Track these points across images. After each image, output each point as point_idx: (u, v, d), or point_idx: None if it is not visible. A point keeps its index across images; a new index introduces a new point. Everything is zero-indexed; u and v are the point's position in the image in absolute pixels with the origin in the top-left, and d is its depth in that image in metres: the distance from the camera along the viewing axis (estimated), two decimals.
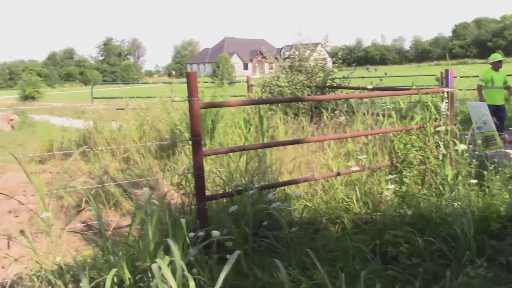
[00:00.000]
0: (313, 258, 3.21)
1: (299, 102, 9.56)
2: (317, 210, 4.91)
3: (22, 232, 3.36)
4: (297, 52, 11.05)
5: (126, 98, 10.99)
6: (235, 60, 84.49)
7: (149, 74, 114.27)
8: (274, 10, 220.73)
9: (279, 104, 9.18)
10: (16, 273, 3.76)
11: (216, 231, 3.70)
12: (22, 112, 21.20)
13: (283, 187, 5.10)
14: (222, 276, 2.94)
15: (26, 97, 42.49)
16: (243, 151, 5.21)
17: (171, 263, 3.01)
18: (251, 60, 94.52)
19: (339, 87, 10.52)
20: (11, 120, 20.26)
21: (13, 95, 54.38)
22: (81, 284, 3.04)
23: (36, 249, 3.38)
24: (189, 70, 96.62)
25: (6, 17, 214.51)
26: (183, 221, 3.22)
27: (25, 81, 45.46)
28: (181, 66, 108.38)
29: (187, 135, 7.79)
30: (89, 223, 5.25)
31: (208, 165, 6.11)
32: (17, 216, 6.09)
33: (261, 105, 7.46)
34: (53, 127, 12.41)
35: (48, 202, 3.72)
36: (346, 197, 5.12)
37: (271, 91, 10.47)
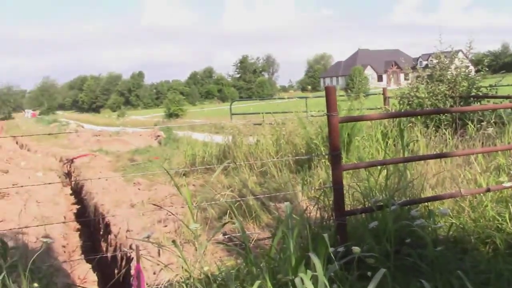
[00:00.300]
0: (464, 280, 3.00)
1: (441, 114, 9.08)
2: (465, 229, 4.58)
3: (173, 241, 3.57)
4: (436, 61, 10.52)
5: (262, 113, 11.31)
6: (369, 72, 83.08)
7: (283, 89, 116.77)
8: (409, 19, 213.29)
9: (419, 117, 8.81)
10: (168, 279, 4.02)
11: (357, 247, 3.62)
12: (168, 128, 22.85)
13: (426, 203, 4.85)
14: None
15: (170, 115, 45.81)
16: (383, 166, 5.07)
17: (312, 278, 3.00)
18: (385, 72, 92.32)
19: (485, 96, 9.81)
20: (158, 136, 21.97)
21: (159, 113, 58.97)
22: None
23: (185, 258, 3.57)
24: (322, 84, 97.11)
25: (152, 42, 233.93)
26: (325, 236, 3.20)
27: (170, 100, 49.08)
28: (314, 80, 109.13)
29: (323, 149, 7.79)
30: (230, 235, 5.46)
31: (345, 179, 6.03)
32: (165, 226, 6.54)
33: (400, 118, 7.21)
34: (195, 142, 13.17)
35: (196, 214, 3.92)
36: (497, 215, 4.72)
37: (410, 102, 10.07)
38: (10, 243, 4.28)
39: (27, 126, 52.51)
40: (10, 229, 5.54)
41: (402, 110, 9.76)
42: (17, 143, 27.33)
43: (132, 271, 5.39)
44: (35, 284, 3.64)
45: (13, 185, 9.67)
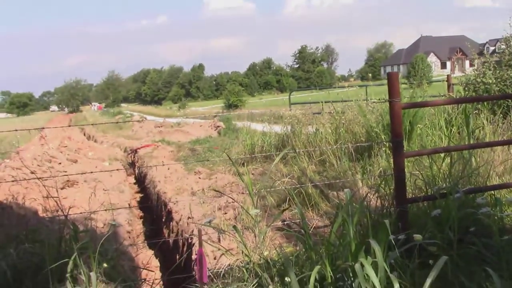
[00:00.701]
0: None
1: (509, 100, 8.68)
2: None
3: (235, 227, 3.63)
4: (504, 46, 10.04)
5: (322, 102, 11.21)
6: (432, 59, 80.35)
7: (343, 78, 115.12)
8: (476, 2, 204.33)
9: (485, 103, 8.46)
10: (228, 264, 4.09)
11: (418, 235, 3.55)
12: (227, 119, 23.11)
13: (492, 192, 4.67)
14: (428, 281, 2.81)
15: (230, 106, 46.36)
16: (446, 153, 4.92)
17: (372, 264, 2.97)
18: (449, 59, 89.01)
19: None
20: (218, 126, 22.26)
21: (219, 104, 59.75)
22: (287, 278, 3.18)
23: (245, 243, 3.62)
24: (382, 72, 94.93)
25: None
26: (386, 222, 3.16)
27: (229, 91, 49.63)
28: (374, 69, 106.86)
29: (384, 137, 7.64)
30: (290, 221, 5.48)
31: (406, 168, 5.90)
32: (225, 213, 6.65)
33: (465, 104, 6.95)
34: (254, 132, 13.24)
35: (256, 201, 3.97)
36: None
37: (476, 89, 9.67)
38: (80, 227, 4.49)
39: (93, 119, 54.69)
40: (80, 213, 5.81)
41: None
42: (84, 134, 28.50)
43: (194, 256, 5.53)
44: (104, 265, 3.81)
45: (81, 173, 10.12)
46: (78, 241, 3.89)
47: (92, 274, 3.56)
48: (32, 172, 8.78)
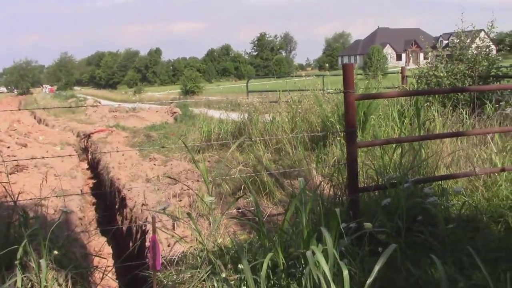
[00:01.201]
0: (474, 257, 3.00)
1: (458, 94, 8.98)
2: (478, 208, 4.58)
3: (189, 214, 3.63)
4: (457, 40, 10.35)
5: (279, 91, 11.27)
6: (388, 51, 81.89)
7: (301, 67, 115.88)
8: None
9: (436, 96, 8.72)
10: (182, 251, 4.09)
11: (368, 223, 3.65)
12: (184, 105, 22.93)
13: (439, 182, 4.85)
14: (376, 268, 2.91)
15: (187, 92, 45.93)
16: (398, 144, 5.06)
17: (323, 252, 3.04)
18: (405, 51, 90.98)
19: (505, 76, 9.66)
20: (174, 113, 22.07)
21: (175, 90, 59.08)
22: (240, 265, 3.22)
23: (200, 231, 3.63)
24: (339, 62, 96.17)
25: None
26: (337, 210, 3.23)
27: (186, 77, 49.16)
28: (332, 58, 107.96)
29: (338, 127, 7.77)
30: (244, 209, 5.52)
31: (359, 157, 6.04)
32: (180, 200, 6.63)
33: (417, 97, 7.15)
34: (211, 119, 13.20)
35: (211, 188, 3.97)
36: (511, 195, 4.71)
37: (428, 82, 9.95)
38: (30, 214, 4.38)
39: (44, 102, 53.05)
40: (30, 199, 5.66)
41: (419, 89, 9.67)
42: (35, 117, 27.66)
43: (147, 243, 5.50)
44: (55, 252, 3.74)
45: (31, 158, 9.84)
46: (28, 227, 3.80)
47: (42, 261, 3.50)
48: None
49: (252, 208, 4.04)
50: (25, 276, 3.53)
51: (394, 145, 5.23)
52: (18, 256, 3.49)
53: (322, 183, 5.45)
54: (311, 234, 3.26)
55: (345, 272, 2.86)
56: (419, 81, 10.33)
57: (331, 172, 5.27)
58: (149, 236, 5.48)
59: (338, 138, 7.42)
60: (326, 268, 2.85)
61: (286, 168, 7.14)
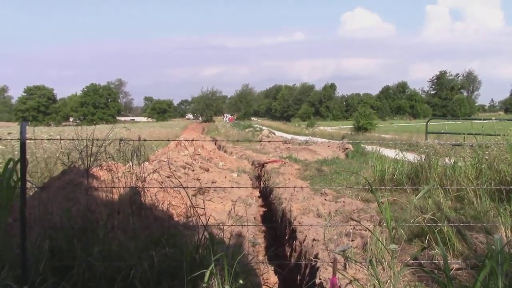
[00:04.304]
0: None
1: None
2: None
3: (371, 261, 3.49)
4: None
5: (463, 134, 10.54)
6: None
7: (483, 109, 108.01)
8: None
9: None
10: None
11: None
12: (356, 142, 22.72)
13: None
14: None
15: (359, 128, 45.60)
16: None
17: None
18: None
19: None
20: (346, 148, 21.97)
21: (347, 125, 59.14)
22: None
23: (379, 279, 3.46)
24: None
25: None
26: None
27: (359, 113, 48.87)
28: None
29: None
30: (425, 261, 5.15)
31: None
32: (352, 240, 6.45)
33: None
34: (384, 158, 12.81)
35: (394, 234, 3.79)
36: None
37: None
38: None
39: (224, 129, 57.02)
40: (217, 225, 6.01)
41: None
42: (215, 144, 29.79)
43: (317, 280, 5.43)
44: (240, 281, 3.86)
45: (212, 182, 10.55)
46: (213, 251, 4.00)
47: (227, 287, 3.64)
48: (168, 177, 9.31)
49: (436, 261, 3.74)
50: None
51: None
52: (206, 279, 3.67)
53: None
54: None
55: None
56: None
57: None
58: (320, 273, 5.41)
59: None
60: None
61: (468, 218, 6.56)
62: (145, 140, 6.01)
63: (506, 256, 3.32)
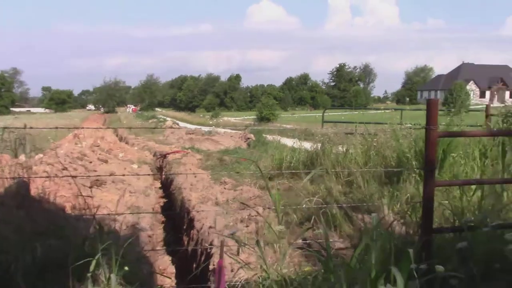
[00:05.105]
0: None
1: None
2: None
3: (257, 242, 3.60)
4: None
5: (355, 123, 11.10)
6: (471, 88, 78.89)
7: (378, 100, 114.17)
8: None
9: None
10: (246, 278, 4.06)
11: (441, 267, 3.45)
12: (258, 132, 23.14)
13: None
14: None
15: (262, 118, 46.44)
16: (478, 185, 4.79)
17: None
18: (489, 88, 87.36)
19: None
20: (248, 138, 22.30)
21: (251, 116, 59.98)
22: None
23: (265, 259, 3.59)
24: (419, 97, 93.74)
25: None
26: (410, 251, 3.08)
27: (263, 104, 49.79)
28: (411, 92, 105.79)
29: (415, 163, 7.50)
30: (311, 241, 5.40)
31: (436, 196, 5.78)
32: (247, 226, 6.61)
33: (503, 137, 6.78)
34: (283, 147, 13.18)
35: (282, 217, 3.94)
36: None
37: None
38: (104, 228, 4.53)
39: (127, 120, 55.54)
40: (108, 214, 5.88)
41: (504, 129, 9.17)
42: (117, 135, 28.94)
43: (211, 267, 5.51)
44: (126, 268, 3.82)
45: (110, 174, 10.26)
46: (102, 241, 3.92)
47: (113, 276, 3.59)
48: (64, 169, 8.94)
49: (320, 240, 3.95)
50: None
51: (473, 187, 4.95)
52: (91, 269, 3.59)
53: (394, 220, 5.25)
54: (380, 273, 3.12)
55: None
56: (505, 120, 9.81)
57: (405, 210, 5.08)
58: (214, 259, 5.49)
59: (413, 175, 7.15)
60: None
61: (356, 202, 6.95)
62: (31, 127, 5.73)
63: (382, 232, 3.58)
